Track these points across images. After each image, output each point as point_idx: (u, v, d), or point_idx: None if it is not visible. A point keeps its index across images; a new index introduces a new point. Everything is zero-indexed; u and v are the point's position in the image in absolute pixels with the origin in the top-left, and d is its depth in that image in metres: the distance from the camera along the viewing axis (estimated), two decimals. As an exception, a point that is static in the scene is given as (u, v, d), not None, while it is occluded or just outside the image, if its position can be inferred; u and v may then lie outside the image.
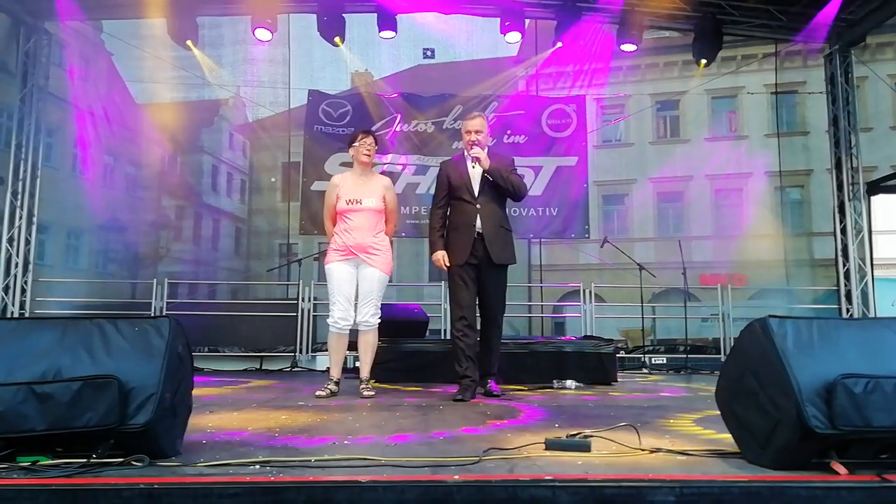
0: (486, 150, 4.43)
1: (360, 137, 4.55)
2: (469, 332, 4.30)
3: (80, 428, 1.95)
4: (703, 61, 8.49)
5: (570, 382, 5.18)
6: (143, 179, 17.84)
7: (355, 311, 4.41)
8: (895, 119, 18.23)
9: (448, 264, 4.33)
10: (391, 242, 4.58)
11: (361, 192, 4.43)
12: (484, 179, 4.37)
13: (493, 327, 4.42)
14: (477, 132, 4.40)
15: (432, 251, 4.41)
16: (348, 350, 4.79)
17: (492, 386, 4.40)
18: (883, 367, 1.99)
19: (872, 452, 1.98)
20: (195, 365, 3.07)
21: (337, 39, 8.18)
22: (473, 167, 4.36)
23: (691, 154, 19.02)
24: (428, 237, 4.53)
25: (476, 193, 4.35)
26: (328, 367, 4.63)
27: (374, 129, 8.60)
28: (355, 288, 4.41)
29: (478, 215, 4.32)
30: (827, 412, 1.91)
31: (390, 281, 4.59)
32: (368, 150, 4.51)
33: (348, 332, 4.47)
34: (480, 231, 4.29)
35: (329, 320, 4.43)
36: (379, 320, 4.46)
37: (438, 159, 8.78)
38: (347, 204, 4.40)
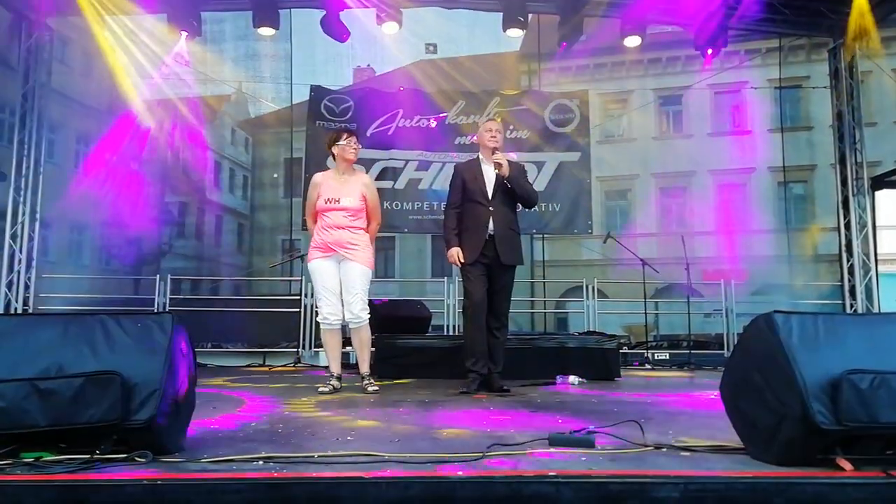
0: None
1: (345, 137, 4.54)
2: (480, 327, 4.41)
3: (83, 424, 1.95)
4: (710, 50, 8.44)
5: (573, 378, 5.18)
6: (145, 176, 17.83)
7: (343, 307, 4.42)
8: (900, 114, 18.12)
9: (462, 261, 4.44)
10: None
11: (340, 190, 4.43)
12: (498, 183, 4.48)
13: (498, 325, 4.51)
14: (498, 131, 4.57)
15: (448, 248, 4.51)
16: (346, 346, 4.81)
17: (500, 384, 4.41)
18: (889, 363, 1.97)
19: (878, 449, 1.97)
20: (198, 361, 3.07)
21: (342, 35, 8.15)
22: (496, 172, 4.45)
23: (694, 149, 18.95)
24: (444, 235, 4.63)
25: (490, 196, 4.47)
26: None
27: (376, 124, 8.63)
28: (339, 283, 4.42)
29: (490, 217, 4.42)
30: (832, 408, 1.90)
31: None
32: (355, 148, 4.54)
33: (340, 326, 4.50)
34: (492, 233, 4.41)
35: (319, 318, 4.49)
36: (369, 315, 4.45)
37: (441, 155, 8.77)
38: (326, 203, 4.42)
